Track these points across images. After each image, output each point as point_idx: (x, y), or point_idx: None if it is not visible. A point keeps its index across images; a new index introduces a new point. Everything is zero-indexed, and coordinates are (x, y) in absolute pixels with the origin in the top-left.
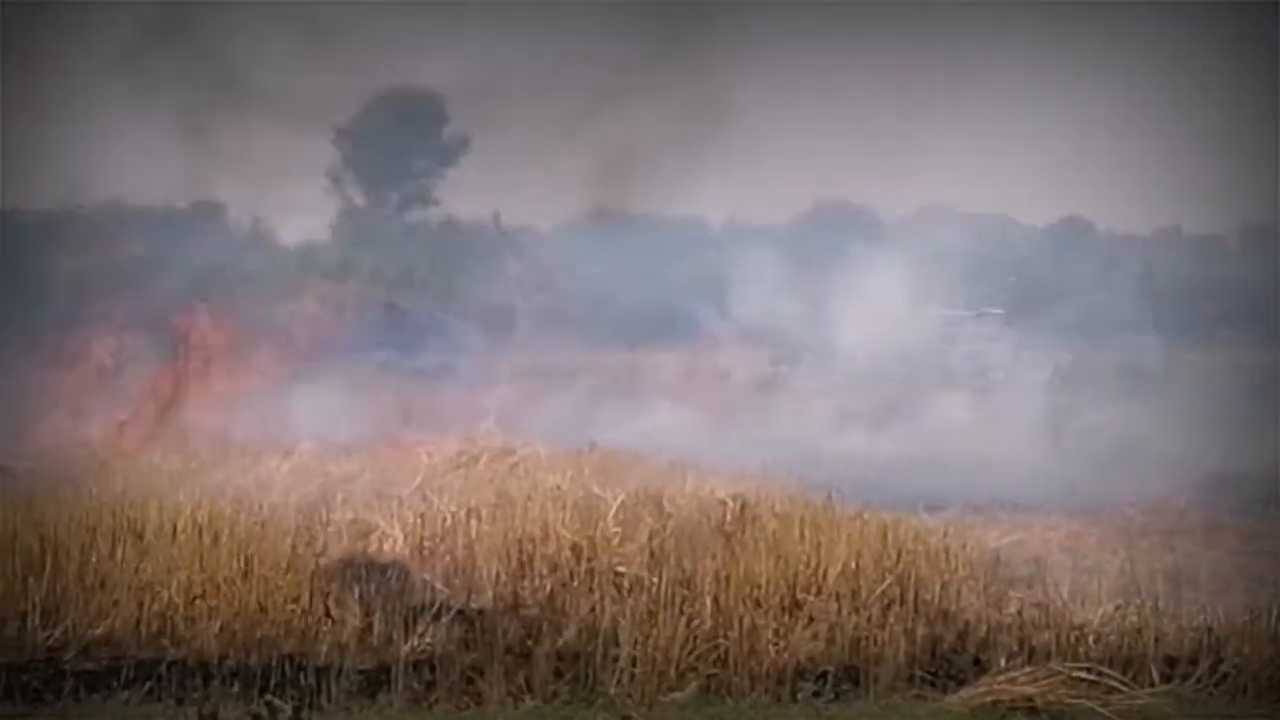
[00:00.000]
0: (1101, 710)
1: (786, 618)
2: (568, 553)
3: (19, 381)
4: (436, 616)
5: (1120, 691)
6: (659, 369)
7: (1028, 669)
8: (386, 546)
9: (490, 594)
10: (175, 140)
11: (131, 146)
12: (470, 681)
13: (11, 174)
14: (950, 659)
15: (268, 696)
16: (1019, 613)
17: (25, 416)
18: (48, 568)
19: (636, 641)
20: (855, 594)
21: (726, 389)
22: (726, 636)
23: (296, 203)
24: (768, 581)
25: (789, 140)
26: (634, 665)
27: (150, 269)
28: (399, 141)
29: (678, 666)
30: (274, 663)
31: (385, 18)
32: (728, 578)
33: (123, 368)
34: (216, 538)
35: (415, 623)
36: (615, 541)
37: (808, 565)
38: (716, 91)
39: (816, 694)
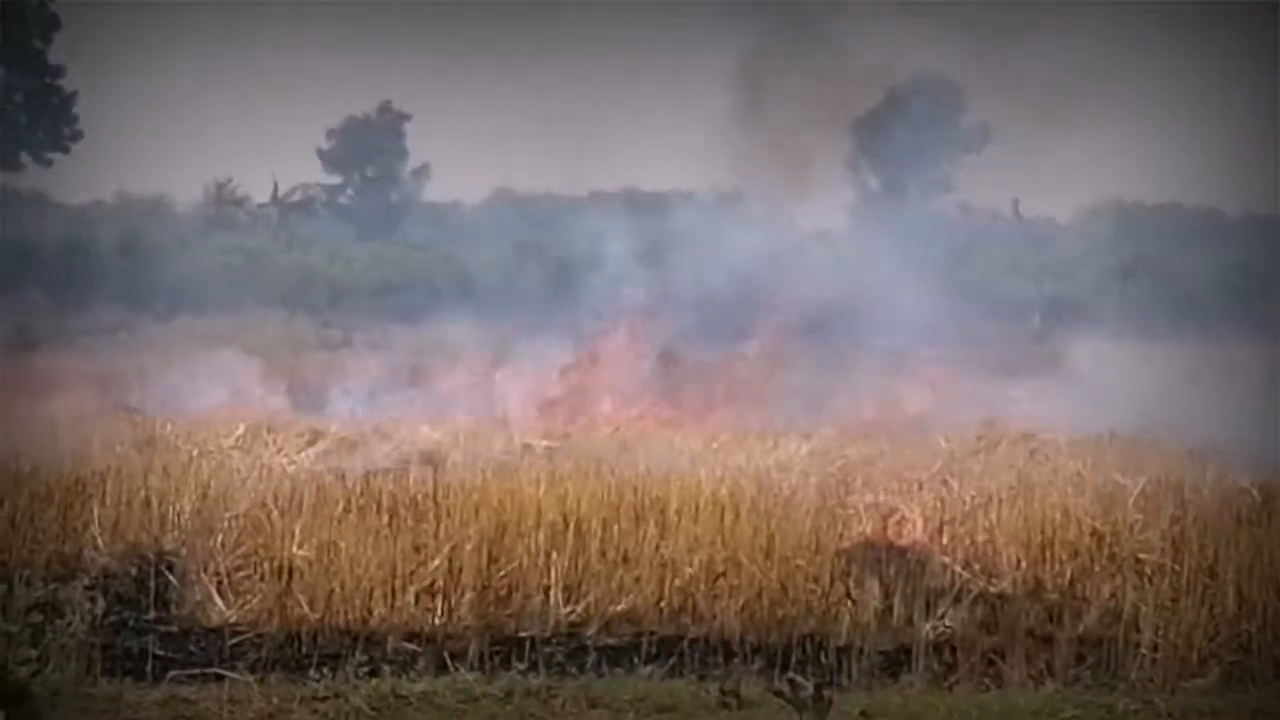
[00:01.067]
0: None
1: None
2: (1088, 538)
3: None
4: (957, 599)
5: None
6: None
7: None
8: (906, 530)
9: (1010, 578)
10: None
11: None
12: (991, 664)
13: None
14: None
15: (789, 674)
16: None
17: (550, 397)
18: (570, 543)
19: (1158, 628)
20: None
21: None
22: (1249, 624)
23: (814, 190)
24: None
25: None
26: (1155, 651)
27: (677, 253)
28: (919, 128)
29: (1199, 653)
30: (794, 641)
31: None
32: (1250, 566)
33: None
34: (738, 516)
35: (935, 605)
36: (1136, 528)
37: None
38: None
39: None
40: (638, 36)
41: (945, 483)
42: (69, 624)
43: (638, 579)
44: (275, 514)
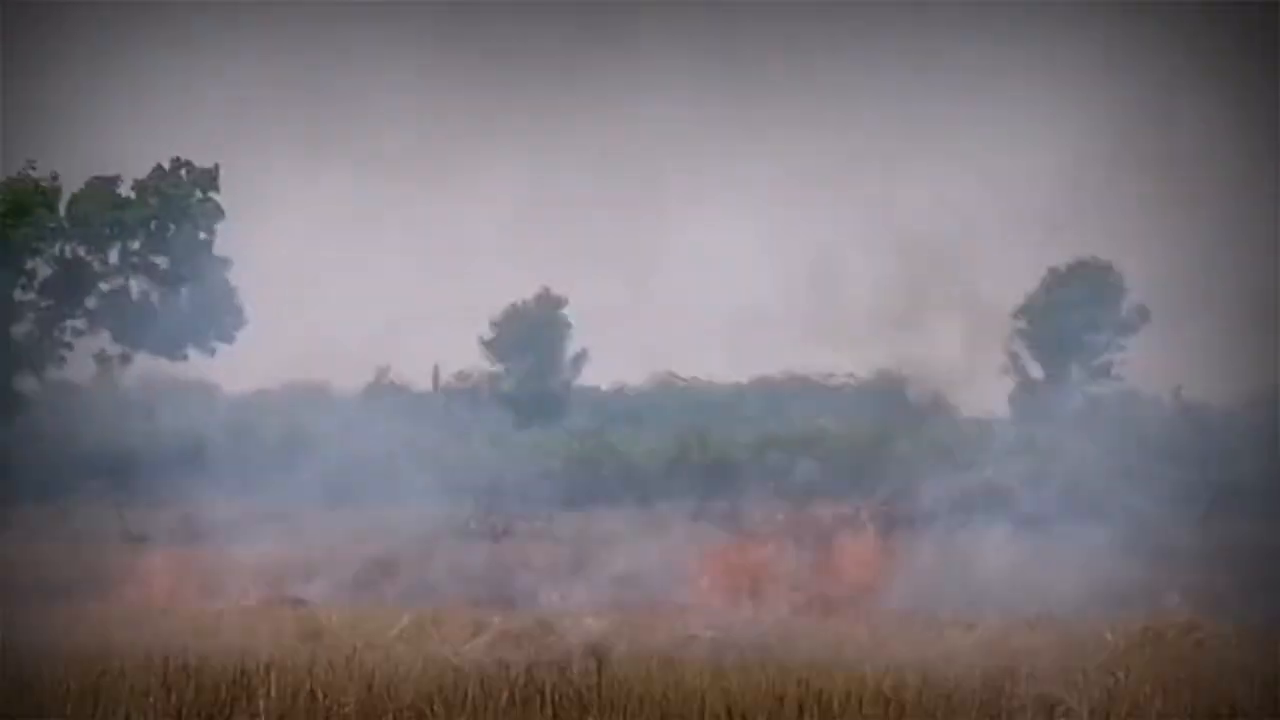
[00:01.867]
0: None
1: None
2: None
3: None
4: None
5: None
6: None
7: None
8: None
9: None
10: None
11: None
12: None
13: None
14: None
15: None
16: None
17: (713, 585)
18: None
19: None
20: None
21: None
22: None
23: (976, 377)
24: None
25: None
26: None
27: (835, 439)
28: (1078, 315)
29: None
30: None
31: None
32: None
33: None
34: (904, 710)
35: None
36: None
37: None
38: None
39: None
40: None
41: (1111, 674)
42: None
43: None
44: (440, 707)
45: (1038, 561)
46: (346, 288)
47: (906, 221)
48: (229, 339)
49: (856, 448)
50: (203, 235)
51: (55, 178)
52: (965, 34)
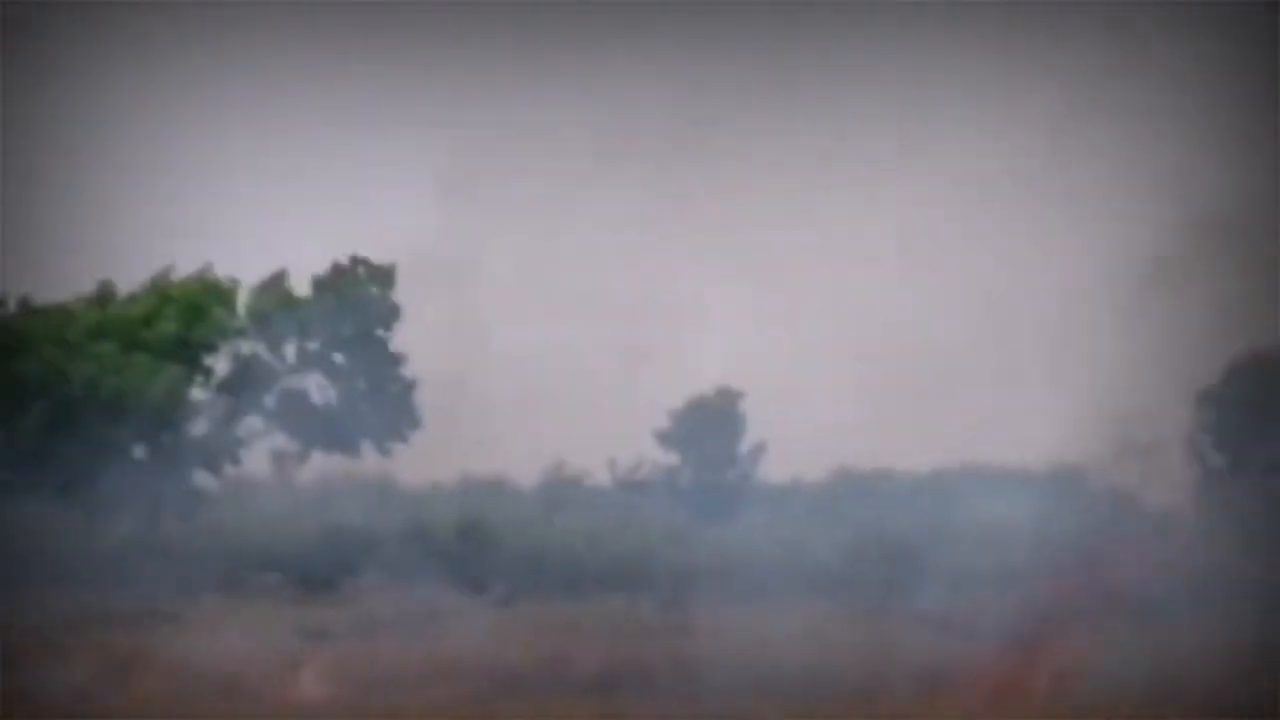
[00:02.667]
0: None
1: None
2: None
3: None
4: None
5: None
6: None
7: None
8: None
9: None
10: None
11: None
12: None
13: None
14: None
15: None
16: None
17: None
18: None
19: None
20: None
21: None
22: None
23: (1158, 470)
24: None
25: None
26: None
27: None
28: (1260, 404)
29: None
30: None
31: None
32: None
33: None
34: None
35: None
36: None
37: None
38: None
39: None
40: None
41: None
42: None
43: None
44: None
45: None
46: (519, 381)
47: None
48: (403, 439)
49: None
50: (380, 333)
51: (234, 280)
52: None
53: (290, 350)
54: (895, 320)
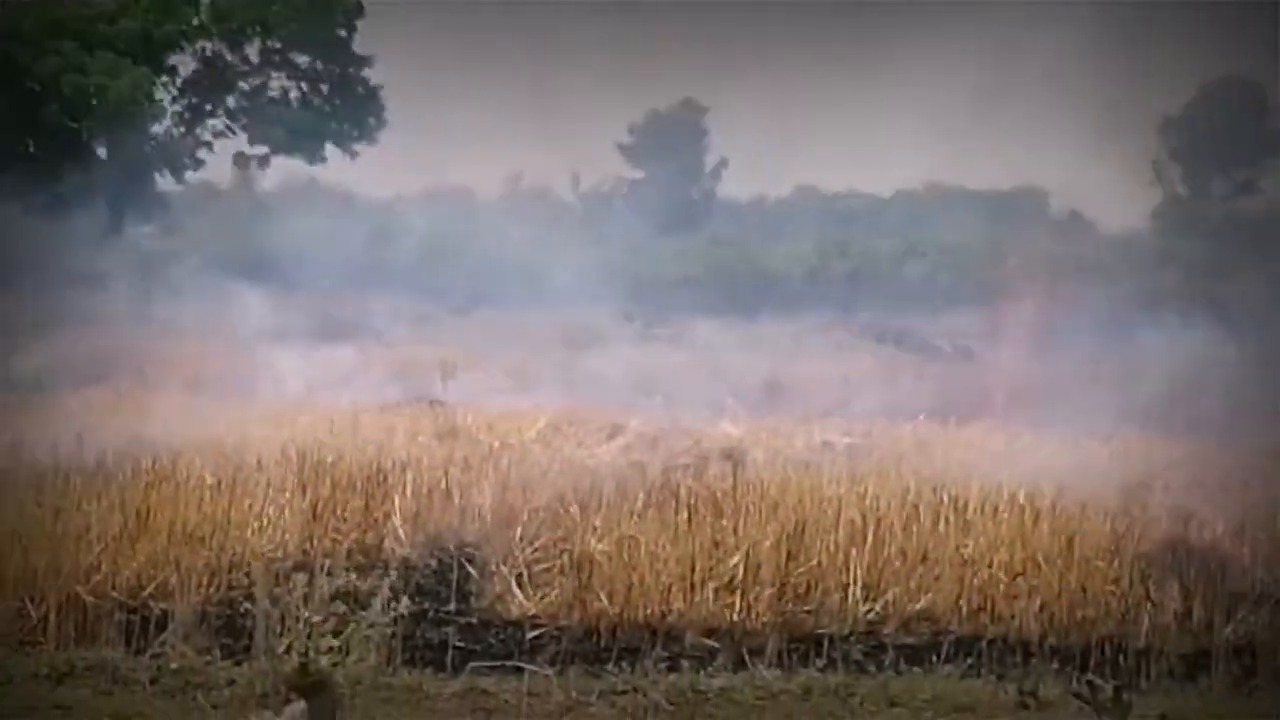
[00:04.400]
0: None
1: None
2: None
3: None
4: (1257, 603)
5: None
6: None
7: None
8: (1206, 533)
9: None
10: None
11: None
12: None
13: None
14: None
15: (1088, 676)
16: None
17: (851, 394)
18: (869, 542)
19: None
20: None
21: None
22: None
23: (1118, 192)
24: None
25: None
26: None
27: (972, 250)
28: (1225, 131)
29: None
30: (1093, 643)
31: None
32: None
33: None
34: (1038, 517)
35: (1236, 609)
36: None
37: None
38: None
39: None
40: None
41: (1247, 485)
42: (370, 614)
43: (937, 578)
44: (575, 508)
45: (1178, 378)
46: (485, 92)
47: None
48: (372, 140)
49: (996, 259)
50: (342, 32)
51: None
52: None
53: (253, 50)
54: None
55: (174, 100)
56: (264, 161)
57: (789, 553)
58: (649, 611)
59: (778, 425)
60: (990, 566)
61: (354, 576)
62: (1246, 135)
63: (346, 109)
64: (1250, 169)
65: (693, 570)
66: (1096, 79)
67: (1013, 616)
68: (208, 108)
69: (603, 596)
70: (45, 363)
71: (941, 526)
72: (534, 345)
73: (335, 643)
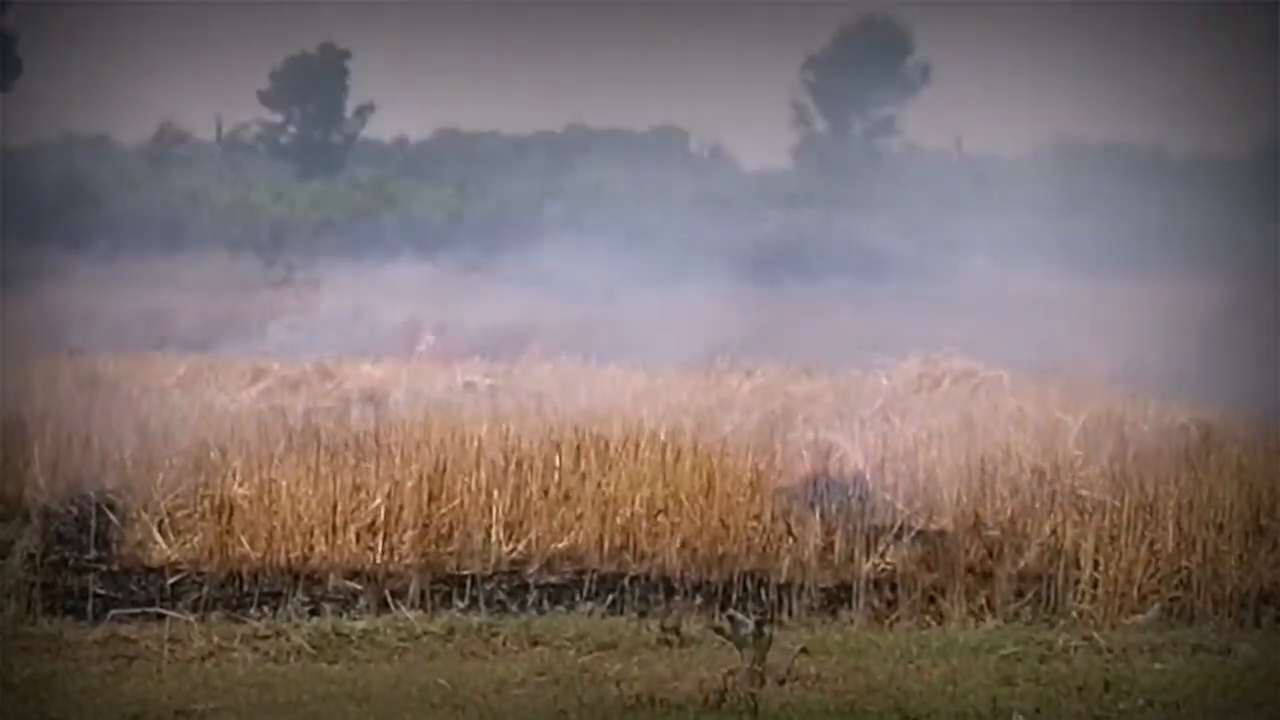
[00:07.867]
0: None
1: (1250, 542)
2: (1029, 475)
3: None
4: (898, 536)
5: None
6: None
7: None
8: (847, 467)
9: (951, 515)
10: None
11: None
12: (931, 600)
13: None
14: None
15: (730, 611)
16: None
17: (492, 335)
18: (511, 481)
19: (1098, 564)
20: None
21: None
22: (1189, 560)
23: (758, 130)
24: (1231, 506)
25: None
26: (1095, 587)
27: (616, 192)
28: (867, 69)
29: (1140, 589)
30: (735, 578)
31: None
32: (1190, 502)
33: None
34: (679, 454)
35: (876, 542)
36: (1077, 465)
37: (1272, 491)
38: None
39: None
40: None
41: (887, 419)
42: (9, 563)
43: (579, 516)
44: (216, 452)
45: (818, 313)
46: (126, 37)
47: None
48: (7, 87)
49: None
50: None
51: None
52: None
53: None
54: None
55: None
56: None
57: (431, 494)
58: (291, 555)
59: (419, 367)
60: (632, 504)
61: None
62: (887, 75)
63: None
64: (890, 108)
65: (335, 513)
66: (738, 17)
67: (655, 554)
68: None
69: (244, 541)
70: None
71: (583, 465)
72: (177, 292)
73: None
